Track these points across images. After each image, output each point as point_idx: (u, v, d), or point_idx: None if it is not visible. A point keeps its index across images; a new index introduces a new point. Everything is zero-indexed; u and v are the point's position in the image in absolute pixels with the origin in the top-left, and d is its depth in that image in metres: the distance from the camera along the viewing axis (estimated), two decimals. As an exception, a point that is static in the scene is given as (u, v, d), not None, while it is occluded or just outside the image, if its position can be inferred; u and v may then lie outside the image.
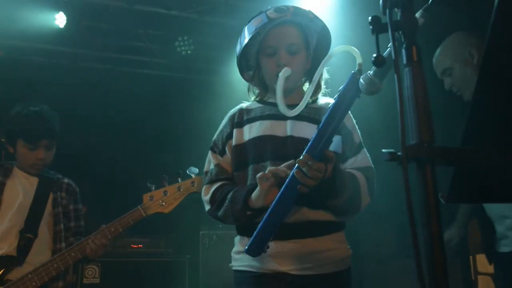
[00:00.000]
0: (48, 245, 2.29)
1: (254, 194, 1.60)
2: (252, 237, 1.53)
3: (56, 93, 4.24)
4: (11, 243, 2.21)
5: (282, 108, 1.62)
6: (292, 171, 1.50)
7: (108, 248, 3.44)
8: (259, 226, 1.52)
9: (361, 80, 1.38)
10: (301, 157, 1.47)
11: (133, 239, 3.58)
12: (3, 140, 2.41)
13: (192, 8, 4.17)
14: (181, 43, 4.59)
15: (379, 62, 0.87)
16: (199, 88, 4.82)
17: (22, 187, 2.35)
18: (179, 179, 2.33)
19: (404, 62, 0.88)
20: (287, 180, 1.51)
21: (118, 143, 4.47)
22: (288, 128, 1.71)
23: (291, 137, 1.70)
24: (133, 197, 2.37)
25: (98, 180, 4.01)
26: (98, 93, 4.63)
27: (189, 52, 4.63)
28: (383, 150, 0.83)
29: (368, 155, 1.77)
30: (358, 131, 1.79)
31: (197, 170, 2.26)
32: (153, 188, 2.32)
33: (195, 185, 2.30)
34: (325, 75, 1.84)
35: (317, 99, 1.81)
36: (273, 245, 1.60)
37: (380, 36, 0.90)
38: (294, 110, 1.60)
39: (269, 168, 1.59)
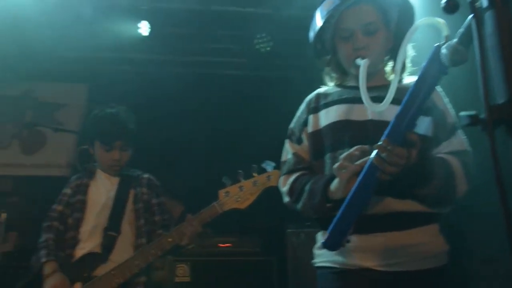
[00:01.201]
0: (131, 242, 2.35)
1: (333, 185, 1.48)
2: (329, 230, 1.41)
3: (144, 99, 4.43)
4: (96, 241, 2.29)
5: (369, 105, 1.48)
6: (370, 158, 1.35)
7: (196, 247, 3.51)
8: (336, 218, 1.40)
9: (443, 50, 1.20)
10: (380, 142, 1.33)
11: (221, 239, 3.58)
12: (85, 146, 2.51)
13: (266, 2, 4.12)
14: (259, 41, 4.54)
15: (450, 6, 0.72)
16: (280, 85, 4.75)
17: (104, 187, 2.43)
18: (254, 174, 2.28)
19: (485, 5, 0.72)
20: (365, 167, 1.36)
21: (198, 141, 4.54)
22: (369, 112, 1.57)
23: (372, 121, 1.55)
24: (209, 193, 2.35)
25: (178, 175, 4.13)
26: (183, 96, 4.73)
27: (268, 49, 4.57)
28: (462, 113, 0.68)
29: (464, 137, 1.57)
30: (452, 110, 1.59)
31: (273, 164, 2.19)
32: (229, 183, 2.28)
33: (271, 179, 2.24)
34: (410, 52, 1.67)
35: (402, 78, 1.65)
36: (355, 239, 1.47)
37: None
38: (382, 104, 1.45)
39: (341, 156, 1.45)
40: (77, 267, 2.24)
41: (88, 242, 2.29)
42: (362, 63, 1.53)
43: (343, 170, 1.42)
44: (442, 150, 1.54)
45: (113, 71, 4.73)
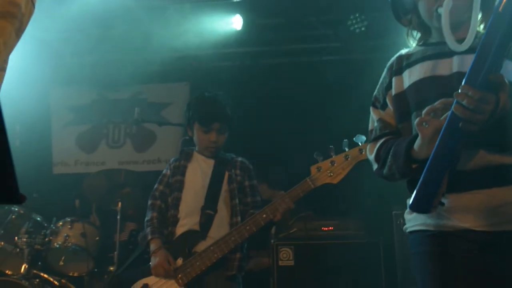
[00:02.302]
0: (226, 220, 2.43)
1: (416, 144, 1.38)
2: (415, 190, 1.32)
3: (242, 92, 4.56)
4: (195, 220, 2.40)
5: (450, 42, 1.37)
6: (451, 108, 1.23)
7: (299, 231, 3.50)
8: (422, 177, 1.30)
9: None
10: (459, 90, 1.21)
11: (323, 222, 3.53)
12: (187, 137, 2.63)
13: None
14: (353, 21, 4.41)
15: None
16: (377, 66, 4.57)
17: (201, 169, 2.54)
18: (346, 148, 2.23)
19: None
20: (447, 119, 1.25)
21: (294, 126, 4.54)
22: (455, 64, 1.44)
23: (459, 73, 1.42)
24: (302, 170, 2.33)
25: (269, 158, 4.18)
26: (280, 86, 4.77)
27: (363, 29, 4.43)
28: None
29: None
30: None
31: (364, 138, 2.13)
32: (321, 159, 2.26)
33: (363, 152, 2.18)
34: None
35: None
36: (450, 199, 1.36)
37: None
38: (463, 43, 1.34)
39: (423, 111, 1.35)
40: (179, 244, 2.38)
41: (187, 220, 2.42)
42: (444, 3, 1.41)
43: (425, 124, 1.32)
44: None
45: (210, 67, 4.92)
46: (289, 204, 2.23)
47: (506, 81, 1.21)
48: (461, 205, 1.38)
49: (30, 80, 4.55)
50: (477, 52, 1.18)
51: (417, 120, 1.35)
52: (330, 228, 3.52)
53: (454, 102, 1.21)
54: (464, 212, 1.38)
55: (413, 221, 1.53)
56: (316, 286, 3.18)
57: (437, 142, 1.26)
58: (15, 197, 1.03)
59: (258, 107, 4.65)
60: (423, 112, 1.35)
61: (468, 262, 1.38)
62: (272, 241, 3.34)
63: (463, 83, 1.20)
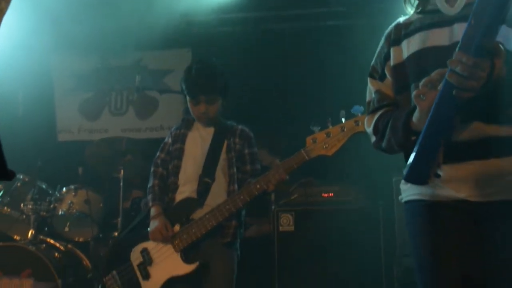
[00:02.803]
0: (224, 188, 2.47)
1: (414, 116, 1.37)
2: (410, 161, 1.31)
3: (244, 57, 4.52)
4: (193, 187, 2.44)
5: (441, 4, 1.34)
6: (445, 75, 1.21)
7: (300, 197, 3.54)
8: (416, 147, 1.30)
9: None
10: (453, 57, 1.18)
11: (323, 188, 3.56)
12: None
13: None
14: (357, -16, 4.32)
15: None
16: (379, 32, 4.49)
17: (200, 137, 2.57)
18: (343, 119, 2.22)
19: None
20: (441, 87, 1.23)
21: (295, 93, 4.52)
22: (455, 33, 1.41)
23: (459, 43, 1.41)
24: (300, 140, 2.34)
25: (269, 126, 4.20)
26: (282, 52, 4.72)
27: (366, -8, 4.34)
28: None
29: None
30: None
31: (362, 109, 2.11)
32: (317, 130, 2.26)
33: (359, 124, 2.16)
34: None
35: None
36: (446, 169, 1.36)
37: None
38: (455, 6, 1.31)
39: (420, 83, 1.33)
40: (177, 211, 2.44)
41: (186, 187, 2.47)
42: None
43: (422, 97, 1.30)
44: None
45: (212, 33, 4.86)
46: (282, 176, 2.25)
47: (502, 48, 1.19)
48: (457, 175, 1.38)
49: (31, 48, 4.54)
50: (471, 18, 1.15)
51: (414, 92, 1.33)
52: (330, 194, 3.55)
53: (448, 69, 1.19)
54: (460, 182, 1.38)
55: (408, 191, 1.54)
56: (316, 251, 3.24)
57: (431, 111, 1.25)
58: (4, 173, 1.04)
59: (260, 73, 4.62)
60: (420, 84, 1.33)
61: (462, 232, 1.39)
62: (272, 207, 3.38)
63: (456, 50, 1.18)
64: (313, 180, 3.68)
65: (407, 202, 1.56)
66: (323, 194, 3.56)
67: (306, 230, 3.34)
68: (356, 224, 3.26)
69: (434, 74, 1.31)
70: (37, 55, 4.70)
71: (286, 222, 3.40)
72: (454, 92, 1.19)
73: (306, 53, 4.58)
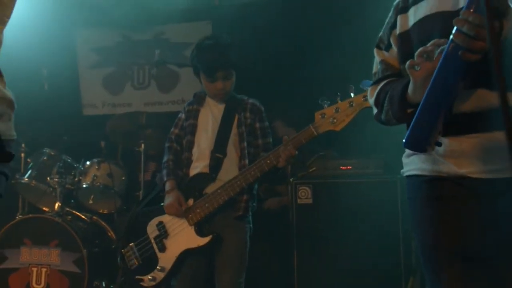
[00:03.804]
0: (236, 163, 2.49)
1: (409, 88, 1.32)
2: (410, 127, 1.26)
3: (264, 29, 4.46)
4: (205, 162, 2.48)
5: None
6: (450, 37, 1.15)
7: (318, 170, 3.53)
8: (417, 113, 1.24)
9: None
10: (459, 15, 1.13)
11: (342, 161, 3.54)
12: None
13: None
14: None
15: None
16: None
17: (212, 113, 2.58)
18: (352, 94, 2.19)
19: None
20: (445, 49, 1.17)
21: (306, 63, 4.44)
22: None
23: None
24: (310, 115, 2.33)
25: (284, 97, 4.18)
26: (304, 23, 4.64)
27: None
28: None
29: None
30: None
31: (370, 83, 2.07)
32: (327, 104, 2.24)
33: (368, 99, 2.12)
34: None
35: None
36: (446, 142, 1.32)
37: None
38: None
39: (417, 51, 1.29)
40: (191, 185, 2.49)
41: (199, 162, 2.51)
42: None
43: (416, 67, 1.26)
44: None
45: (232, 4, 4.81)
46: (292, 151, 2.25)
47: (510, 5, 1.14)
48: (458, 149, 1.33)
49: (53, 24, 4.61)
50: None
51: (407, 63, 1.28)
52: (348, 167, 3.53)
53: (454, 29, 1.14)
54: (461, 157, 1.33)
55: (409, 165, 1.51)
56: (333, 223, 3.25)
57: (434, 75, 1.19)
58: (2, 155, 1.10)
59: (278, 45, 4.55)
60: (415, 54, 1.28)
61: (461, 208, 1.36)
62: (291, 179, 3.40)
63: (463, 9, 1.13)
64: (332, 153, 3.67)
65: (408, 176, 1.53)
66: (341, 167, 3.55)
67: (324, 203, 3.35)
68: (374, 197, 3.25)
69: (429, 45, 1.26)
70: (61, 31, 4.79)
71: (304, 195, 3.42)
72: (459, 53, 1.13)
73: (326, 25, 4.48)
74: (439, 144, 1.27)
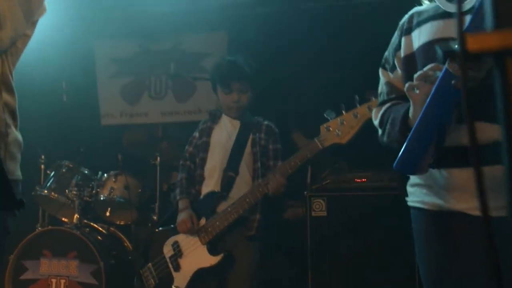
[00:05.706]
0: (248, 182, 2.52)
1: (410, 111, 1.34)
2: (402, 150, 1.28)
3: (281, 38, 4.46)
4: (217, 181, 2.51)
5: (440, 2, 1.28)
6: (445, 65, 1.17)
7: (333, 182, 3.53)
8: (410, 135, 1.26)
9: None
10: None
11: (357, 174, 3.53)
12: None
13: None
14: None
15: None
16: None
17: (226, 130, 2.61)
18: (357, 104, 2.17)
19: None
20: (439, 77, 1.18)
21: (321, 76, 4.43)
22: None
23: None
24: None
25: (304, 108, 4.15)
26: (322, 33, 4.62)
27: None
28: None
29: None
30: None
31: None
32: (332, 117, 2.22)
33: (372, 109, 2.11)
34: None
35: None
36: (445, 174, 1.33)
37: None
38: (466, 1, 1.25)
39: (415, 76, 1.29)
40: (203, 204, 2.52)
41: (211, 180, 2.55)
42: None
43: (415, 90, 1.26)
44: None
45: (247, 14, 4.83)
46: (280, 180, 2.29)
47: None
48: (460, 182, 1.33)
49: (71, 35, 4.69)
50: (476, 9, 1.11)
51: (407, 85, 1.29)
52: (363, 180, 3.52)
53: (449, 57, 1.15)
54: (462, 192, 1.33)
55: (412, 196, 1.52)
56: (347, 235, 3.24)
57: (427, 101, 1.21)
58: (13, 204, 1.13)
59: (296, 54, 4.55)
60: (414, 76, 1.29)
61: (464, 244, 1.36)
62: (305, 192, 3.40)
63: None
64: (346, 165, 3.66)
65: (411, 208, 1.53)
66: (356, 180, 3.54)
67: (338, 215, 3.34)
68: (388, 210, 3.23)
69: (428, 69, 1.27)
70: (80, 42, 4.87)
71: (319, 207, 3.42)
72: (453, 82, 1.15)
73: (340, 33, 4.45)
74: (433, 167, 1.26)
